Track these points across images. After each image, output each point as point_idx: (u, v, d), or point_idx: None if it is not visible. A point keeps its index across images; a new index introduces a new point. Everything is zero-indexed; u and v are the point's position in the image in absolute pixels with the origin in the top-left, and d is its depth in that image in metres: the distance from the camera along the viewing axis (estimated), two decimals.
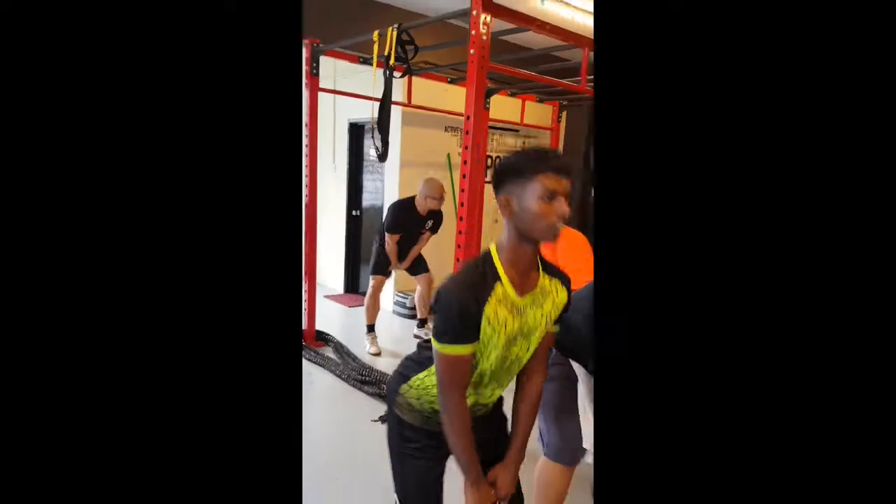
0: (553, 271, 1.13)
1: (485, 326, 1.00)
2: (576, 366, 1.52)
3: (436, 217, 3.40)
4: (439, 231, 3.52)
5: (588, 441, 1.51)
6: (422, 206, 3.30)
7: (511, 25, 2.25)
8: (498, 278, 1.02)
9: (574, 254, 3.12)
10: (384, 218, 3.48)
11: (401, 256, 3.38)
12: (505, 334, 1.03)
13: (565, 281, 1.14)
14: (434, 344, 1.01)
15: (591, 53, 2.63)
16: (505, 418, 1.27)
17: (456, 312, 0.98)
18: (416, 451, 1.15)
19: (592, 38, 2.58)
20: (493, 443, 1.19)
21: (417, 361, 1.15)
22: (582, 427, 1.50)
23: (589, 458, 1.51)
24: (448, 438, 1.06)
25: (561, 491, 1.58)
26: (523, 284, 1.05)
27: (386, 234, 3.30)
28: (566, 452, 1.54)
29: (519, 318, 1.04)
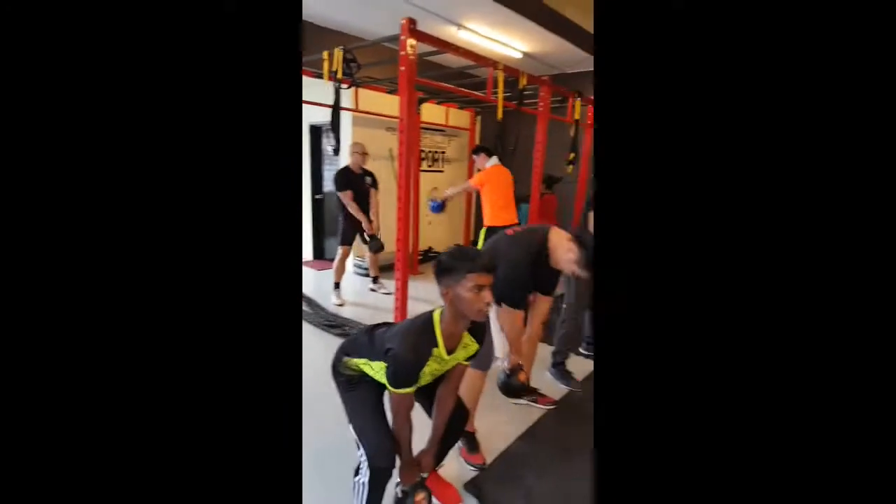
0: (472, 330, 1.20)
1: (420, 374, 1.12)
2: None
3: (370, 174, 3.35)
4: (388, 206, 3.49)
5: (497, 350, 1.65)
6: (354, 165, 3.25)
7: (433, 48, 2.24)
8: (436, 345, 1.12)
9: (502, 191, 3.20)
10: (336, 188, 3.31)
11: (364, 212, 3.28)
12: (430, 374, 1.15)
13: (478, 336, 1.23)
14: (389, 387, 1.11)
15: (496, 71, 2.67)
16: None
17: (404, 373, 1.09)
18: (356, 385, 1.24)
19: (496, 60, 2.61)
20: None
21: (358, 349, 1.22)
22: (495, 337, 1.64)
23: (497, 363, 1.68)
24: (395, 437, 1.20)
25: (479, 389, 1.68)
26: (451, 344, 1.15)
27: (341, 194, 3.19)
28: (483, 362, 1.63)
29: (442, 364, 1.16)
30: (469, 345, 1.21)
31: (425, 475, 1.26)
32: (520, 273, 1.54)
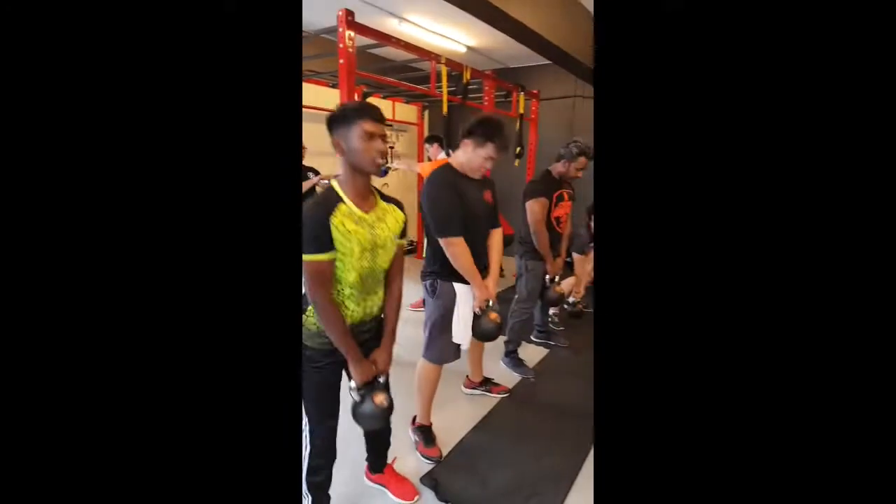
0: (389, 200, 1.18)
1: (337, 237, 1.02)
2: (456, 286, 1.56)
3: (312, 169, 3.27)
4: None
5: (458, 337, 1.59)
6: None
7: (373, 41, 2.21)
8: (339, 199, 1.05)
9: None
10: None
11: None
12: (359, 243, 1.05)
13: (400, 206, 1.20)
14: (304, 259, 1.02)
15: (439, 65, 2.67)
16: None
17: (309, 227, 1.00)
18: (316, 369, 1.14)
19: (438, 54, 2.61)
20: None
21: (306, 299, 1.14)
22: (455, 329, 1.58)
23: (465, 347, 1.62)
24: (329, 334, 1.07)
25: (434, 384, 1.69)
26: (363, 204, 1.08)
27: None
28: (440, 356, 1.63)
29: (370, 229, 1.08)
30: (392, 210, 1.16)
31: (382, 379, 1.18)
32: (442, 200, 1.47)
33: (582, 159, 2.18)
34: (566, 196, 2.28)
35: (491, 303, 1.58)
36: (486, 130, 1.46)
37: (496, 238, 1.68)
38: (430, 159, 3.28)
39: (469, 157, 1.51)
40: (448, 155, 3.21)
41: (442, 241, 1.49)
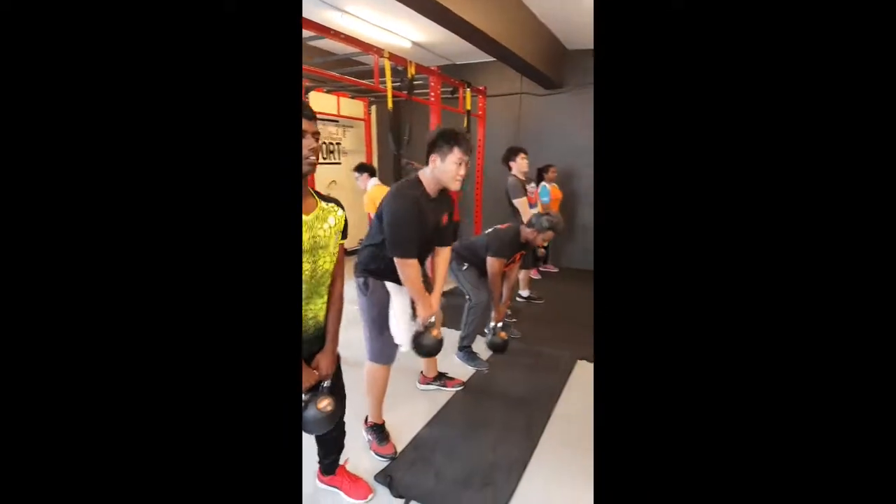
0: (328, 199, 1.17)
1: None
2: (389, 285, 1.58)
3: None
4: None
5: (399, 338, 1.61)
6: None
7: (312, 33, 2.16)
8: None
9: None
10: None
11: None
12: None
13: (339, 205, 1.19)
14: None
15: (382, 59, 2.65)
16: None
17: None
18: None
19: (381, 48, 2.59)
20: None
21: None
22: (393, 329, 1.60)
23: (404, 348, 1.64)
24: None
25: (383, 383, 1.69)
26: (303, 206, 1.08)
27: None
28: (383, 356, 1.64)
29: (309, 231, 1.07)
30: (332, 210, 1.15)
31: (327, 384, 1.18)
32: (406, 220, 1.48)
33: (550, 233, 2.37)
34: (518, 258, 2.51)
35: (433, 319, 1.63)
36: (448, 138, 1.52)
37: (443, 256, 1.72)
38: (364, 190, 3.38)
39: (441, 168, 1.52)
40: (397, 152, 3.23)
41: (397, 261, 1.51)
